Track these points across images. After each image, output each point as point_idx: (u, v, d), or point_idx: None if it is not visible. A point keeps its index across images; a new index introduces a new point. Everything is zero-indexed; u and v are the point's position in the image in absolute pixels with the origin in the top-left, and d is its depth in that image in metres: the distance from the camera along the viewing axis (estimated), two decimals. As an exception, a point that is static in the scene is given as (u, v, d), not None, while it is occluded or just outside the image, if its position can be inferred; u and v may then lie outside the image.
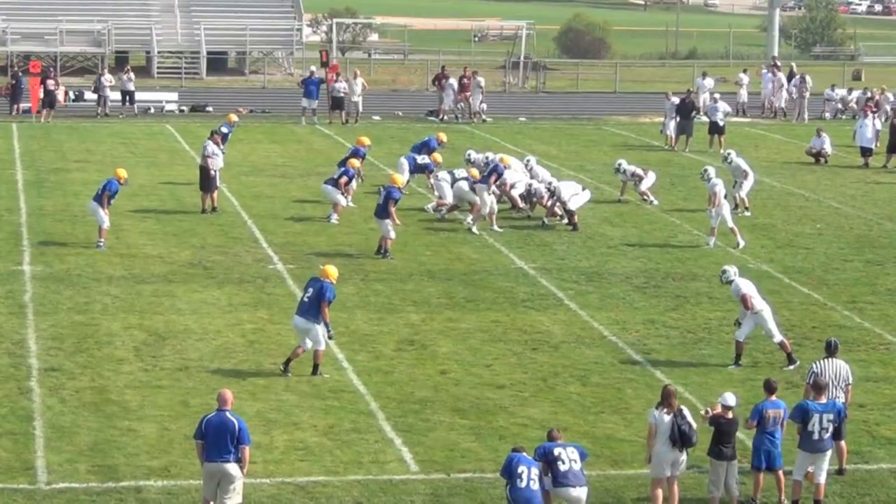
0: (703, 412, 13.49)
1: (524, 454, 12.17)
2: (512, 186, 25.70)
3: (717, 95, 36.83)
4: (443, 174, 26.27)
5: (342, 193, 25.41)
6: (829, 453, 13.29)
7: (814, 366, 14.38)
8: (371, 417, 15.22)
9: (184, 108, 40.92)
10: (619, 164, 27.61)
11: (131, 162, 30.07)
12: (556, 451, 12.26)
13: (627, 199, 27.69)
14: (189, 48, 49.35)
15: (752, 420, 13.19)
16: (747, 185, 26.73)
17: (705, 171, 24.69)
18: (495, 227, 24.62)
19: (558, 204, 25.18)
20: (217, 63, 50.72)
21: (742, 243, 23.71)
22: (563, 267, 22.21)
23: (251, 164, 31.22)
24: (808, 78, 42.00)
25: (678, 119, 35.14)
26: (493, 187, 24.90)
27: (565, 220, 25.15)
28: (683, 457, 12.90)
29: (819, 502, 13.30)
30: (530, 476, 11.94)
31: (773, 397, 13.33)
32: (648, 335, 18.62)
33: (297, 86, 41.33)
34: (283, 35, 51.42)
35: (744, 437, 13.70)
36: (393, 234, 22.55)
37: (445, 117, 39.78)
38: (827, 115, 42.23)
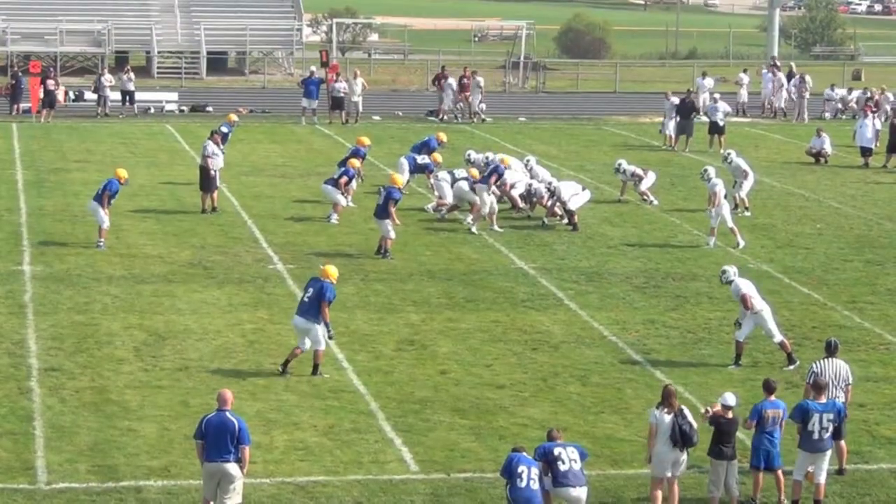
0: (703, 411, 13.48)
1: (524, 454, 12.17)
2: (512, 186, 25.69)
3: (717, 95, 36.80)
4: (443, 174, 26.25)
5: (342, 193, 25.40)
6: (829, 453, 13.29)
7: (814, 366, 14.37)
8: (371, 417, 15.22)
9: (184, 108, 40.90)
10: (619, 164, 27.60)
11: (131, 162, 30.04)
12: (557, 450, 12.26)
13: (627, 199, 27.68)
14: (189, 48, 49.33)
15: (752, 420, 13.19)
16: (747, 185, 26.72)
17: (705, 171, 24.68)
18: (495, 227, 24.60)
19: (558, 204, 25.17)
20: (217, 63, 50.70)
21: (742, 243, 23.70)
22: (563, 267, 22.20)
23: (251, 164, 31.21)
24: (808, 78, 41.98)
25: (678, 119, 35.12)
26: (494, 187, 24.89)
27: (565, 220, 25.13)
28: (684, 456, 12.90)
29: (819, 502, 13.29)
30: (530, 476, 11.93)
31: (773, 397, 13.33)
32: (648, 335, 18.61)
33: (297, 86, 41.32)
34: (283, 35, 51.40)
35: (743, 436, 13.67)
36: (393, 234, 22.54)
37: (445, 117, 39.77)
38: (827, 115, 42.21)
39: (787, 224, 26.15)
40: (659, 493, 12.88)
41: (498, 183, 25.07)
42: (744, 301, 17.14)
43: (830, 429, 13.20)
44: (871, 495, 13.54)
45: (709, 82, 41.43)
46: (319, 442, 14.43)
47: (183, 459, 13.74)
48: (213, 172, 25.54)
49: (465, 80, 39.85)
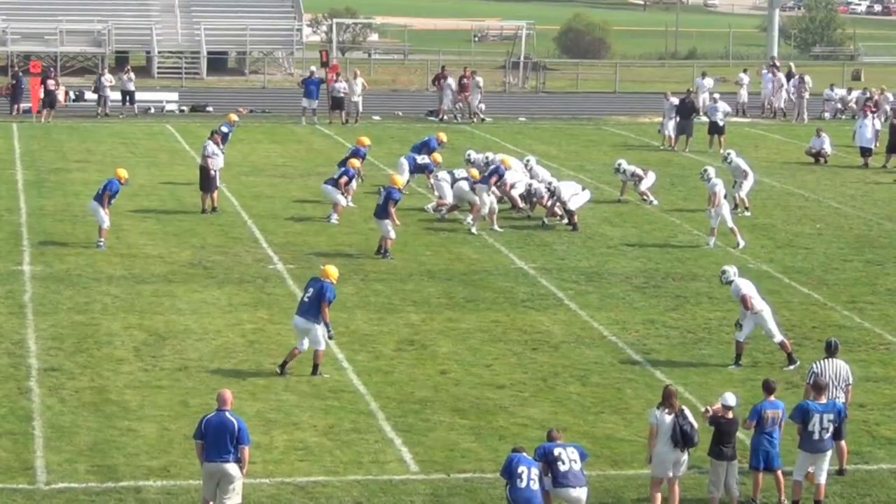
0: (703, 410, 13.46)
1: (524, 454, 12.14)
2: (512, 186, 25.67)
3: (716, 95, 36.77)
4: (443, 174, 26.23)
5: (342, 193, 25.38)
6: (829, 453, 13.27)
7: (814, 366, 14.36)
8: (371, 417, 15.20)
9: (184, 108, 40.87)
10: (619, 164, 27.58)
11: (131, 162, 30.01)
12: (557, 451, 12.24)
13: (627, 199, 27.65)
14: (189, 48, 49.29)
15: (751, 420, 13.17)
16: (747, 185, 26.69)
17: (705, 171, 24.66)
18: (496, 227, 24.58)
19: (558, 204, 25.15)
20: (217, 63, 50.65)
21: (742, 243, 23.68)
22: (562, 267, 22.18)
23: (251, 164, 31.18)
24: (807, 78, 41.94)
25: (678, 119, 35.10)
26: (494, 188, 24.87)
27: (565, 220, 25.11)
28: (685, 457, 12.88)
29: (819, 503, 13.28)
30: (530, 476, 11.91)
31: (772, 397, 13.32)
32: (648, 335, 18.59)
33: (297, 86, 41.30)
34: (283, 35, 51.37)
35: (743, 437, 13.65)
36: (393, 235, 22.52)
37: (445, 117, 39.74)
38: (826, 115, 42.18)
39: (787, 224, 26.13)
40: (658, 494, 12.86)
41: (498, 183, 25.04)
42: (744, 301, 17.12)
43: (831, 429, 13.19)
44: (871, 496, 13.53)
45: (708, 82, 41.40)
46: (319, 442, 14.41)
47: (182, 459, 13.72)
48: (213, 172, 25.52)
49: (465, 81, 39.82)
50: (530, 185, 25.92)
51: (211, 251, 22.60)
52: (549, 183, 25.81)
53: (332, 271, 16.73)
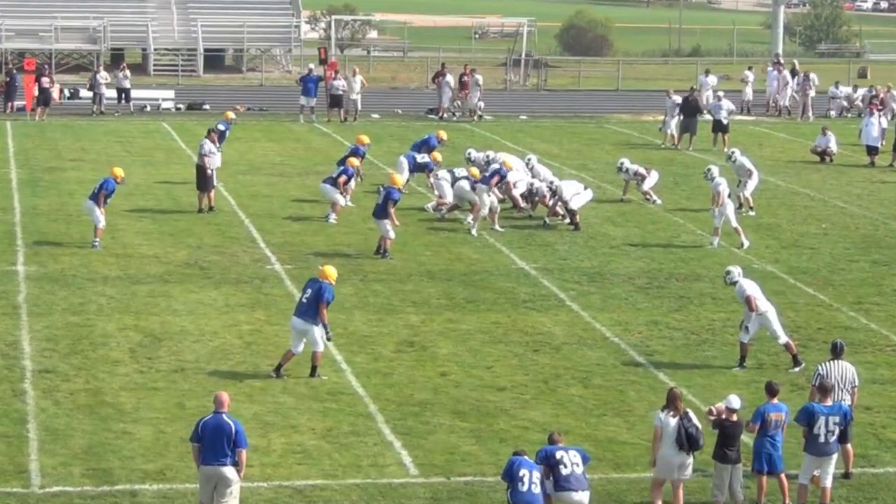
0: (706, 410, 13.38)
1: (526, 457, 12.07)
2: (513, 186, 25.52)
3: (720, 93, 36.62)
4: (443, 173, 26.11)
5: (341, 193, 25.23)
6: (835, 457, 13.21)
7: (819, 368, 14.31)
8: (370, 420, 15.13)
9: (180, 105, 40.73)
10: (622, 163, 27.47)
11: (127, 161, 29.98)
12: (558, 454, 12.16)
13: (630, 199, 27.56)
14: (186, 45, 49.17)
15: (754, 423, 13.10)
16: (751, 184, 26.55)
17: (708, 170, 24.53)
18: (496, 227, 24.46)
19: (560, 203, 24.99)
20: (214, 60, 50.54)
21: (746, 243, 23.56)
22: (564, 267, 22.08)
23: (248, 162, 31.09)
24: (813, 76, 41.77)
25: (682, 117, 34.95)
26: (495, 189, 24.70)
27: (567, 220, 25.00)
28: (690, 460, 12.81)
29: (825, 506, 13.20)
30: (532, 480, 11.84)
31: (775, 400, 13.24)
32: (651, 336, 18.51)
33: (295, 83, 41.12)
34: (281, 32, 51.25)
35: (747, 440, 13.53)
36: (392, 234, 22.39)
37: (445, 115, 39.61)
38: (832, 113, 42.06)
39: (792, 224, 26.04)
40: (660, 496, 12.80)
41: (499, 184, 24.88)
42: (748, 302, 17.04)
43: (836, 432, 13.12)
44: (877, 499, 13.46)
45: (712, 80, 41.30)
46: (317, 445, 14.34)
47: (179, 463, 13.65)
48: (209, 171, 25.43)
49: (465, 79, 39.69)
50: (532, 184, 25.78)
51: (207, 251, 22.51)
52: (551, 182, 25.66)
53: (331, 272, 16.65)
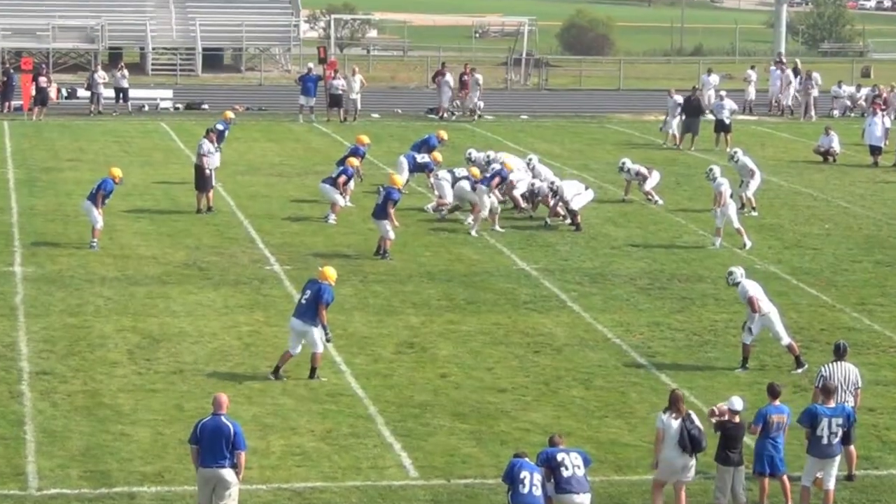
0: (708, 411, 13.31)
1: (526, 459, 12.01)
2: (514, 186, 25.44)
3: (723, 93, 36.53)
4: (443, 173, 26.04)
5: (340, 193, 25.14)
6: (838, 458, 13.16)
7: (822, 369, 14.26)
8: (370, 422, 15.07)
9: (179, 105, 40.65)
10: (623, 163, 27.40)
11: (125, 161, 29.91)
12: (560, 456, 12.10)
13: (631, 199, 27.50)
14: (184, 44, 49.08)
15: (756, 425, 13.05)
16: (754, 184, 26.48)
17: (710, 170, 24.45)
18: (497, 228, 24.38)
19: (561, 204, 24.91)
20: (213, 60, 50.45)
21: (749, 244, 23.49)
22: (565, 268, 22.02)
23: (247, 162, 31.03)
24: (816, 75, 41.66)
25: (683, 117, 34.86)
26: (496, 191, 24.61)
27: (568, 221, 24.92)
28: (692, 462, 12.77)
29: (828, 509, 13.15)
30: (533, 482, 11.78)
31: (777, 402, 13.20)
32: (653, 338, 18.45)
33: (294, 83, 41.03)
34: (280, 31, 51.17)
35: (750, 442, 13.45)
36: (392, 235, 22.32)
37: (445, 115, 39.53)
38: (835, 112, 41.98)
39: (795, 224, 25.98)
40: (661, 498, 12.75)
41: (500, 186, 24.78)
42: (751, 304, 16.98)
43: (839, 434, 13.07)
44: (880, 501, 13.42)
45: (714, 79, 41.23)
46: (317, 447, 14.28)
47: (177, 465, 13.60)
48: (208, 171, 25.35)
49: (466, 78, 39.61)
50: (533, 184, 25.70)
51: (206, 252, 22.44)
52: (552, 182, 25.57)
53: (331, 273, 16.60)
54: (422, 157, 27.21)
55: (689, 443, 12.58)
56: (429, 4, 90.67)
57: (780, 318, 17.28)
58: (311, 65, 40.50)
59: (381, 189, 22.95)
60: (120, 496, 12.93)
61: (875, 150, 33.12)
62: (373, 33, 71.07)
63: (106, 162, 28.78)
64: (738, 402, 13.00)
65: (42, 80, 37.27)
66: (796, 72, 42.85)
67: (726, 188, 23.55)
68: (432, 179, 26.48)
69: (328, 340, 16.51)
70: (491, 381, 16.49)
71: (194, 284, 20.40)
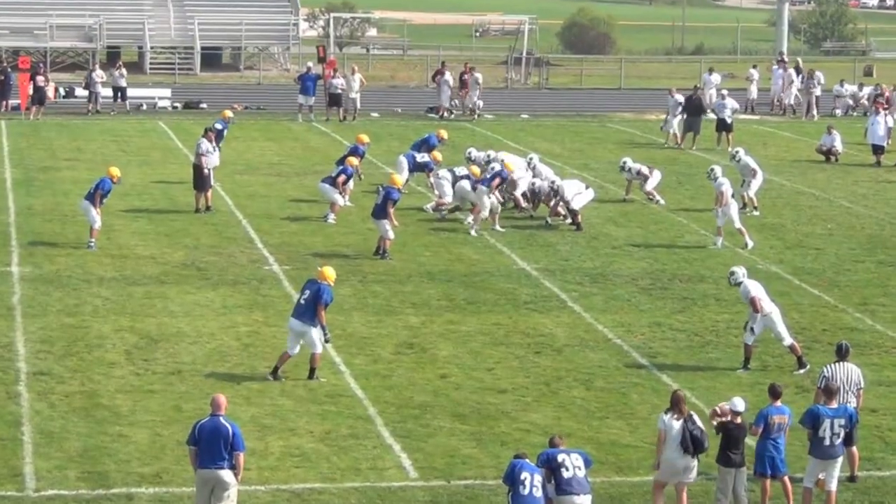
0: (710, 411, 13.25)
1: (527, 461, 11.96)
2: (516, 185, 25.39)
3: (724, 92, 36.46)
4: (443, 172, 25.99)
5: (340, 192, 25.06)
6: (840, 460, 13.13)
7: (825, 370, 14.24)
8: (369, 423, 15.03)
9: (177, 104, 40.56)
10: (624, 162, 27.33)
11: (123, 160, 29.84)
12: (560, 457, 12.06)
13: (633, 199, 27.44)
14: (182, 43, 49.00)
15: (757, 426, 13.01)
16: (756, 183, 26.41)
17: (712, 170, 24.39)
18: (497, 228, 24.31)
19: (562, 203, 24.83)
20: (211, 58, 50.37)
21: (750, 244, 23.44)
22: (566, 268, 21.96)
23: (246, 162, 30.97)
24: (818, 74, 41.58)
25: (685, 116, 34.78)
26: (496, 192, 24.52)
27: (569, 220, 24.84)
28: (694, 463, 12.74)
29: (830, 510, 13.12)
30: (533, 483, 11.73)
31: (778, 403, 13.16)
32: (654, 338, 18.41)
33: (293, 82, 40.95)
34: (279, 30, 51.10)
35: (751, 443, 13.39)
36: (391, 235, 22.25)
37: (445, 114, 39.45)
38: (838, 111, 41.90)
39: (797, 224, 25.92)
40: (661, 499, 12.71)
41: (500, 187, 24.68)
42: (753, 304, 16.94)
43: (842, 434, 13.03)
44: (883, 503, 13.37)
45: (716, 78, 41.15)
46: (316, 448, 14.24)
47: (175, 466, 13.57)
48: (206, 171, 25.29)
49: (465, 77, 39.54)
50: (533, 183, 25.62)
51: (204, 252, 22.39)
52: (553, 181, 25.48)
53: (330, 273, 16.55)
54: (422, 157, 27.13)
55: (691, 444, 12.55)
56: (429, 3, 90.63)
57: (782, 318, 17.24)
58: (310, 64, 40.42)
59: (381, 189, 22.88)
60: (118, 497, 12.90)
61: (878, 150, 33.03)
62: (372, 32, 71.01)
63: (104, 161, 28.75)
64: (739, 403, 12.96)
65: (40, 79, 37.16)
66: (798, 71, 42.75)
67: (727, 188, 23.47)
68: (432, 178, 26.40)
69: (327, 341, 16.46)
70: (491, 382, 16.45)
71: (192, 284, 20.34)
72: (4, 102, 37.65)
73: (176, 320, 18.50)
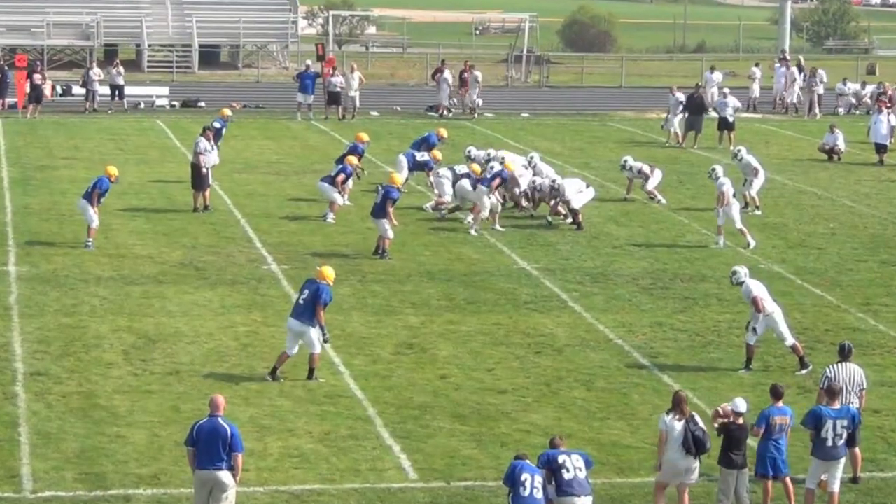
0: (713, 412, 13.21)
1: (527, 462, 11.93)
2: (517, 184, 25.32)
3: (726, 90, 36.37)
4: (443, 171, 25.93)
5: (339, 191, 24.98)
6: (842, 461, 13.10)
7: (827, 370, 14.22)
8: (368, 423, 15.00)
9: (175, 103, 40.46)
10: (625, 161, 27.27)
11: (121, 159, 29.80)
12: (561, 458, 12.03)
13: (634, 198, 27.39)
14: (180, 41, 48.93)
15: (759, 427, 12.97)
16: (757, 182, 26.34)
17: (713, 169, 24.34)
18: (497, 227, 24.24)
19: (562, 202, 24.75)
20: (209, 57, 50.27)
21: (752, 243, 23.39)
22: (567, 267, 21.90)
23: (244, 160, 30.91)
24: (820, 73, 41.49)
25: (686, 115, 34.70)
26: (497, 192, 24.44)
27: (569, 219, 24.77)
28: (696, 464, 12.71)
29: (832, 511, 13.09)
30: (534, 484, 11.71)
31: (780, 403, 13.12)
32: (655, 338, 18.36)
33: (292, 80, 40.87)
34: (277, 28, 51.02)
35: (753, 443, 13.34)
36: (391, 234, 22.18)
37: (445, 112, 39.38)
38: (840, 110, 41.82)
39: (799, 223, 25.88)
40: (663, 500, 12.68)
41: (500, 187, 24.60)
42: (755, 303, 16.90)
43: (844, 435, 13.00)
44: (886, 504, 13.32)
45: (717, 76, 41.08)
46: (315, 449, 14.21)
47: (173, 467, 13.55)
48: (204, 170, 25.22)
49: (465, 75, 39.47)
50: (534, 181, 25.54)
51: (203, 251, 22.34)
52: (553, 180, 25.41)
53: (329, 273, 16.51)
54: (421, 156, 27.06)
55: (693, 445, 12.53)
56: (428, 1, 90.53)
57: (785, 318, 17.21)
58: (309, 62, 40.33)
59: (380, 188, 22.80)
60: (115, 499, 12.87)
61: (880, 148, 32.96)
62: (372, 30, 70.92)
63: (101, 160, 28.72)
64: (741, 404, 12.94)
65: (37, 77, 37.06)
66: (800, 69, 42.66)
67: (728, 187, 23.40)
68: (432, 177, 26.33)
69: (326, 341, 16.42)
70: (491, 382, 16.41)
71: (190, 284, 20.29)
72: (1, 101, 37.56)
73: (174, 320, 18.46)
